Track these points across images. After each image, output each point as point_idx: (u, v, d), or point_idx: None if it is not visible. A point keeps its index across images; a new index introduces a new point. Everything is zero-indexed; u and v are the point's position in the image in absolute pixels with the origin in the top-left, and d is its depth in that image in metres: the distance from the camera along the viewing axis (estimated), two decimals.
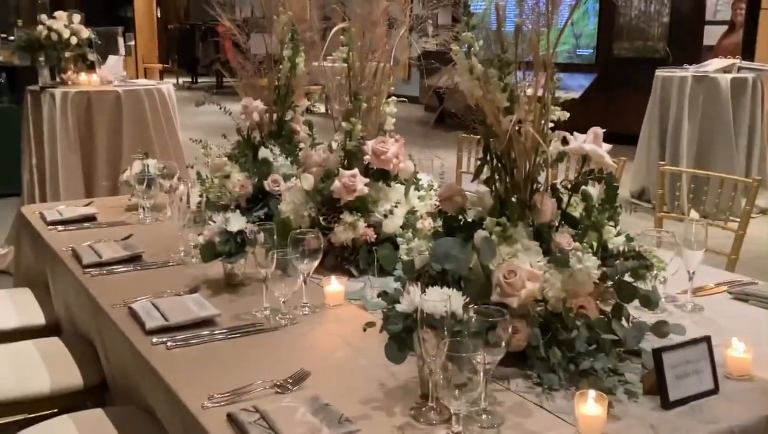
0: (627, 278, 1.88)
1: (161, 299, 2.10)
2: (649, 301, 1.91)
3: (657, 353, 1.60)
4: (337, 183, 2.41)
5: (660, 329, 1.94)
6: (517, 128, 1.85)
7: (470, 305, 1.61)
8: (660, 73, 6.95)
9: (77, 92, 4.65)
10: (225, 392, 1.58)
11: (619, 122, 8.96)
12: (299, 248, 2.05)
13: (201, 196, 2.95)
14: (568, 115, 1.96)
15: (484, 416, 1.53)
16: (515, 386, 1.68)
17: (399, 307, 1.60)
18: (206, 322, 1.98)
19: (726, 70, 6.73)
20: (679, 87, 6.66)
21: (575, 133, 1.95)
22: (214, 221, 2.30)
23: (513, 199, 1.88)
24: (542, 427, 1.51)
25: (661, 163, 3.23)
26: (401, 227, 2.42)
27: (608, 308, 1.87)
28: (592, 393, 1.48)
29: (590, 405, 1.47)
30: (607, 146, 1.94)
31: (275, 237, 2.12)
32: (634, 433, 1.49)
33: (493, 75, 1.83)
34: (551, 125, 1.95)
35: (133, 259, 2.52)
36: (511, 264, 1.74)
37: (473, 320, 1.51)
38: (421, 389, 1.61)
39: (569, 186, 1.96)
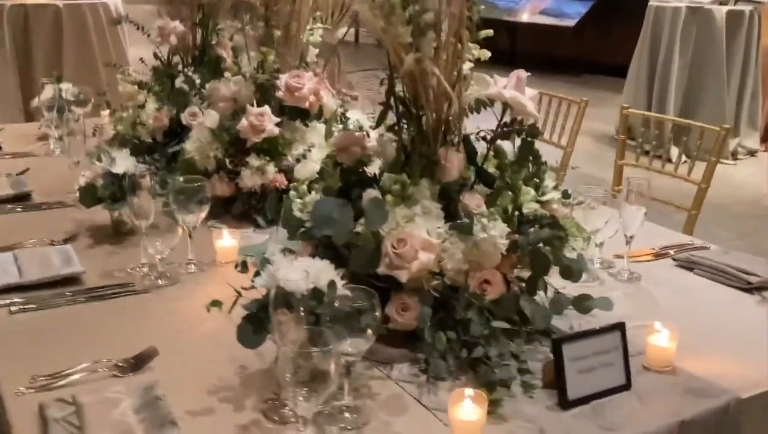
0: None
1: (25, 250, 1.86)
2: (571, 272, 1.67)
3: (556, 344, 1.37)
4: (243, 121, 2.15)
5: (582, 304, 1.71)
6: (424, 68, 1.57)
7: (344, 283, 1.37)
8: (653, 2, 6.56)
9: (13, 5, 4.30)
10: (48, 374, 1.35)
11: (615, 53, 8.63)
12: (181, 197, 1.81)
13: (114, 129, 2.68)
14: (488, 54, 1.68)
15: (347, 414, 1.31)
16: (398, 373, 1.45)
17: (257, 281, 1.36)
18: (69, 280, 1.74)
19: (722, 2, 6.34)
20: (672, 19, 6.29)
21: (495, 76, 1.68)
22: (100, 160, 2.04)
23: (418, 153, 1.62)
24: (412, 429, 1.29)
25: (625, 106, 2.95)
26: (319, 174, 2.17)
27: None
28: (469, 391, 1.26)
29: (466, 406, 1.25)
30: (531, 92, 1.66)
31: (175, 180, 1.87)
32: None
33: (396, 3, 1.54)
34: (470, 65, 1.68)
35: (20, 198, 2.26)
36: (402, 232, 1.49)
37: (335, 303, 1.27)
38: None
39: (488, 138, 1.70)
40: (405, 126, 1.66)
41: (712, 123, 2.85)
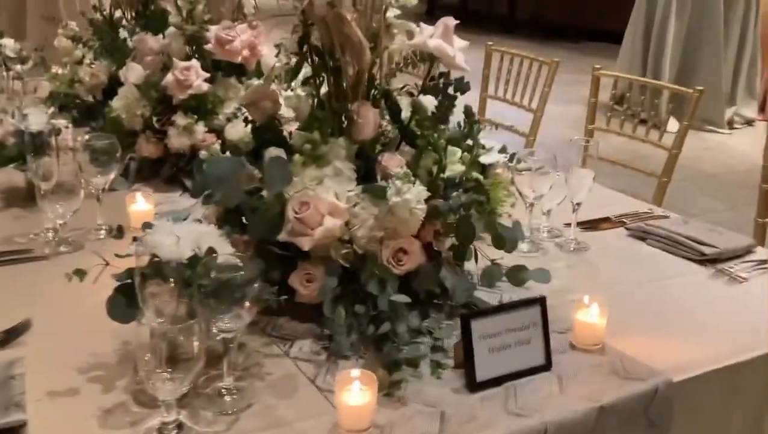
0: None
1: None
2: (502, 241, 1.53)
3: (464, 320, 1.23)
4: (169, 76, 2.00)
5: (516, 275, 1.58)
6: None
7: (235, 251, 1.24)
8: None
9: None
10: None
11: (615, 20, 8.37)
12: (89, 156, 1.67)
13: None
14: (414, 1, 1.53)
15: (227, 397, 1.18)
16: (297, 351, 1.32)
17: (133, 248, 1.22)
18: None
19: None
20: None
21: (422, 24, 1.53)
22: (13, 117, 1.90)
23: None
24: (297, 414, 1.15)
25: (597, 67, 2.78)
26: None
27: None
28: (356, 372, 1.13)
29: (354, 389, 1.12)
30: (461, 43, 1.51)
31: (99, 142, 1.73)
32: (414, 426, 1.13)
33: None
34: (394, 12, 1.52)
35: None
36: (305, 194, 1.35)
37: (212, 273, 1.13)
38: None
39: (414, 93, 1.55)
40: (323, 80, 1.51)
41: (708, 91, 2.68)
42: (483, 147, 1.85)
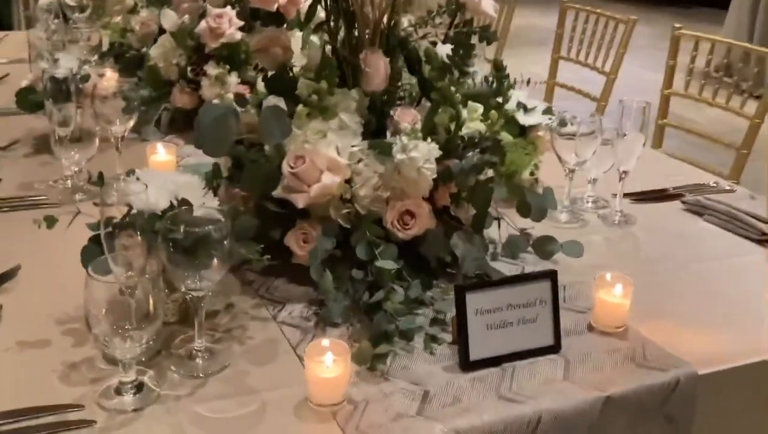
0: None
1: None
2: (526, 208, 1.39)
3: (459, 291, 1.11)
4: (202, 24, 1.93)
5: (543, 247, 1.44)
6: None
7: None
8: None
9: None
10: None
11: None
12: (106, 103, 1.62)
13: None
14: None
15: (198, 359, 1.10)
16: (286, 315, 1.23)
17: (108, 195, 1.15)
18: None
19: None
20: None
21: None
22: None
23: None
24: (269, 383, 1.07)
25: (677, 26, 2.53)
26: None
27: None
28: (326, 342, 1.03)
29: (325, 362, 1.02)
30: None
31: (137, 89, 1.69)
32: (390, 403, 1.03)
33: None
34: None
35: None
36: (302, 148, 1.25)
37: (181, 227, 1.05)
38: None
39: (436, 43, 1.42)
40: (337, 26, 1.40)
41: None
42: (525, 107, 1.72)
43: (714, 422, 1.16)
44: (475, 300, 1.10)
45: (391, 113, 1.33)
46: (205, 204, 1.16)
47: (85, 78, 1.75)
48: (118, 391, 1.02)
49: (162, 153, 1.71)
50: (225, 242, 1.04)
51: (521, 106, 1.71)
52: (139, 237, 1.07)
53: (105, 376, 1.06)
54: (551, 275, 1.15)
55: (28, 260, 1.34)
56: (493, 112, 1.40)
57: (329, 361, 1.02)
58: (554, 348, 1.15)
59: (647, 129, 1.61)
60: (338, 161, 1.26)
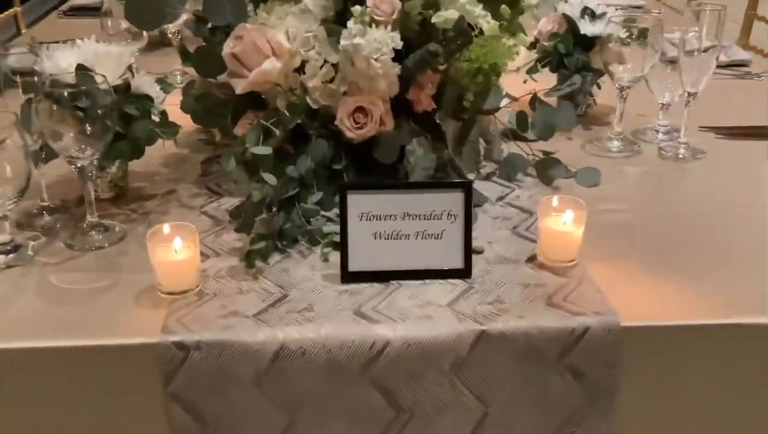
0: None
1: None
2: (523, 121, 1.19)
3: (341, 190, 0.96)
4: None
5: (545, 169, 1.23)
6: None
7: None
8: None
9: None
10: None
11: None
12: None
13: None
14: None
15: (91, 233, 1.07)
16: (216, 207, 1.17)
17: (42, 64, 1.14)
18: None
19: None
20: None
21: None
22: None
23: None
24: (141, 265, 1.01)
25: None
26: None
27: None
28: (167, 228, 0.95)
29: (169, 247, 0.94)
30: None
31: None
32: (235, 301, 0.93)
33: None
34: None
35: None
36: (242, 28, 1.16)
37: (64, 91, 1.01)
38: None
39: None
40: None
41: None
42: (592, 13, 1.48)
43: (658, 390, 0.92)
44: (359, 202, 0.96)
45: None
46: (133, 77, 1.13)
47: None
48: None
49: None
50: (100, 111, 1.00)
51: (587, 11, 1.46)
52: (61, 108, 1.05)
53: None
54: (465, 187, 0.97)
55: None
56: (504, 7, 1.20)
57: (175, 246, 0.94)
58: (463, 272, 0.97)
59: (721, 37, 1.30)
60: (282, 45, 1.15)
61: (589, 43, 1.45)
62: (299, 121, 1.16)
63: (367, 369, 0.87)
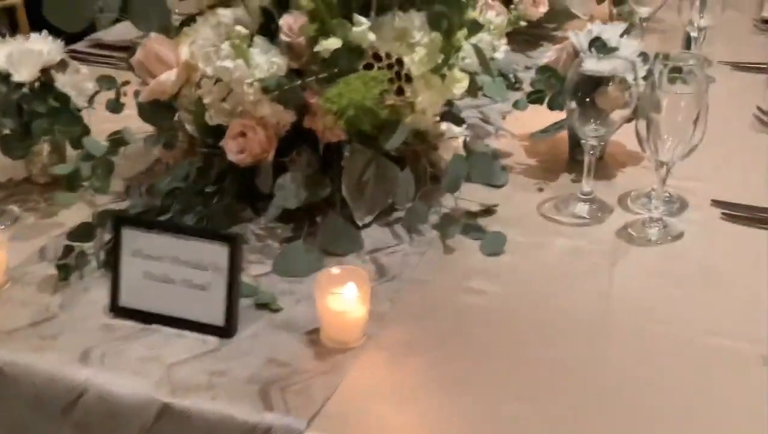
0: None
1: None
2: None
3: (116, 223, 0.92)
4: None
5: (445, 226, 1.08)
6: None
7: None
8: None
9: None
10: None
11: None
12: None
13: None
14: None
15: None
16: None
17: None
18: None
19: None
20: None
21: None
22: None
23: None
24: None
25: None
26: None
27: None
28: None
29: None
30: None
31: None
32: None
33: None
34: None
35: None
36: (149, 41, 1.13)
37: None
38: None
39: None
40: None
41: None
42: (603, 45, 1.26)
43: None
44: (133, 239, 0.91)
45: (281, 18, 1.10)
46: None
47: None
48: None
49: None
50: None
51: (596, 42, 1.22)
52: None
53: None
54: (231, 241, 0.88)
55: None
56: (435, 35, 1.06)
57: None
58: (224, 330, 0.89)
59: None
60: (179, 57, 1.12)
61: (593, 81, 1.21)
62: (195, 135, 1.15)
63: (68, 410, 0.85)
